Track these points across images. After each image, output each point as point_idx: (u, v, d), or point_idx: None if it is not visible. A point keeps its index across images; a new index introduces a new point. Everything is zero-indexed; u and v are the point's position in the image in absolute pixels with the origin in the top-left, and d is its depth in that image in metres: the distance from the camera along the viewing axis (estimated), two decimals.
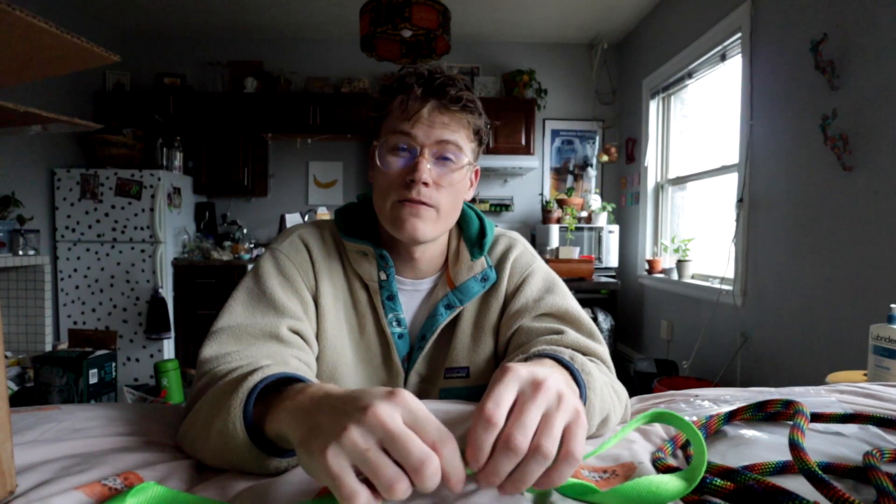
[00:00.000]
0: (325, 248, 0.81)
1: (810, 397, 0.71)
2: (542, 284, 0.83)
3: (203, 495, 0.42)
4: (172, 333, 3.64)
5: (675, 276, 3.31)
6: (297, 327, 0.72)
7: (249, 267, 3.85)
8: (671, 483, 0.41)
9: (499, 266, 0.84)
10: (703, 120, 3.44)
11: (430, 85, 0.72)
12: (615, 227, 3.96)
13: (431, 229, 0.75)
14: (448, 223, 0.78)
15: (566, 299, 0.81)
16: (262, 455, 0.46)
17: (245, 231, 4.26)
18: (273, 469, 0.47)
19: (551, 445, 0.38)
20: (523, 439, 0.37)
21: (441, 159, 0.74)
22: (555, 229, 3.83)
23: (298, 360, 0.69)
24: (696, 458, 0.43)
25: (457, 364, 0.82)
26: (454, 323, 0.83)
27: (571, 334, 0.71)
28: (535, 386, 0.40)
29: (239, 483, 0.44)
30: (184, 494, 0.40)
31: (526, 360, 0.59)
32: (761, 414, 0.61)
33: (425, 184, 0.72)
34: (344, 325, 0.80)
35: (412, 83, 0.73)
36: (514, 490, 0.38)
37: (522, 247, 0.87)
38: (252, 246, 4.08)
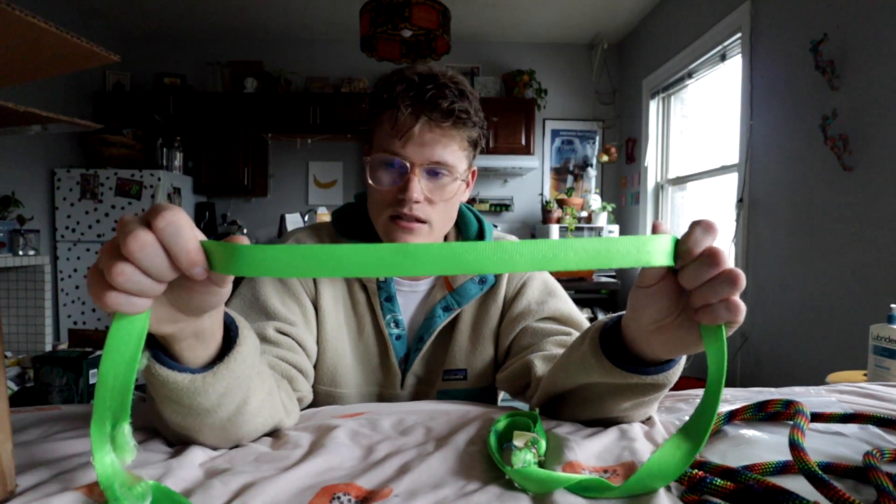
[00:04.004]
0: None
1: (810, 397, 0.71)
2: (543, 288, 0.83)
3: (203, 493, 0.42)
4: None
5: None
6: (286, 330, 0.72)
7: None
8: (673, 458, 0.42)
9: None
10: (703, 120, 3.44)
11: (420, 99, 0.69)
12: (615, 227, 3.96)
13: (425, 242, 0.75)
14: (442, 233, 0.78)
15: (567, 304, 0.82)
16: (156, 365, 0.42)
17: (245, 231, 4.25)
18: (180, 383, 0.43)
19: (741, 274, 0.41)
20: (725, 258, 0.41)
21: (433, 174, 0.72)
22: (555, 229, 3.83)
23: (278, 359, 0.68)
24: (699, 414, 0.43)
25: (455, 366, 0.82)
26: (452, 325, 0.83)
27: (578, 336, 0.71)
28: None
29: (239, 480, 0.44)
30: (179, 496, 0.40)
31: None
32: (762, 414, 0.61)
33: (417, 201, 0.71)
34: (344, 327, 0.80)
35: (401, 97, 0.69)
36: (702, 300, 0.41)
37: None
38: None
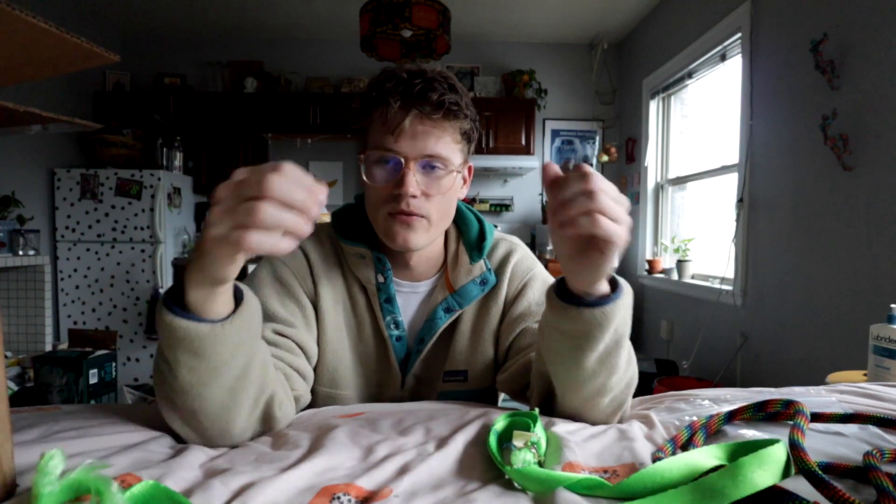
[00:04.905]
0: (324, 251, 0.80)
1: (810, 397, 0.71)
2: (544, 289, 0.82)
3: (203, 493, 0.42)
4: None
5: (675, 276, 3.31)
6: (285, 332, 0.72)
7: (251, 268, 3.85)
8: (675, 471, 0.42)
9: (499, 270, 0.83)
10: (703, 120, 3.44)
11: (409, 93, 0.69)
12: None
13: (424, 238, 0.74)
14: (441, 228, 0.77)
15: None
16: (186, 319, 0.48)
17: None
18: (201, 333, 0.49)
19: (612, 189, 0.48)
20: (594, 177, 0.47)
21: (428, 167, 0.72)
22: None
23: (276, 358, 0.68)
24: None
25: (455, 367, 0.82)
26: (453, 326, 0.82)
27: None
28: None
29: (239, 480, 0.44)
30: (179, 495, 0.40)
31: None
32: (761, 414, 0.61)
33: (413, 196, 0.70)
34: (343, 328, 0.80)
35: (390, 92, 0.70)
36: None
37: (522, 251, 0.86)
38: None
